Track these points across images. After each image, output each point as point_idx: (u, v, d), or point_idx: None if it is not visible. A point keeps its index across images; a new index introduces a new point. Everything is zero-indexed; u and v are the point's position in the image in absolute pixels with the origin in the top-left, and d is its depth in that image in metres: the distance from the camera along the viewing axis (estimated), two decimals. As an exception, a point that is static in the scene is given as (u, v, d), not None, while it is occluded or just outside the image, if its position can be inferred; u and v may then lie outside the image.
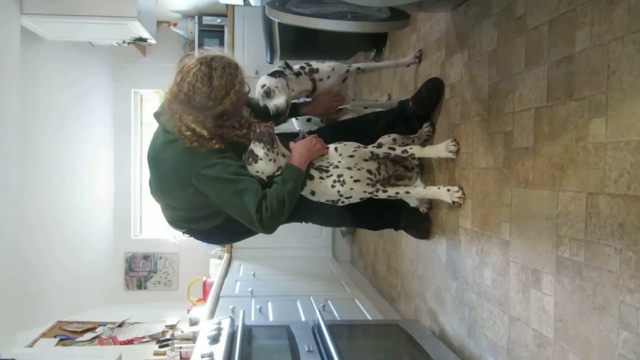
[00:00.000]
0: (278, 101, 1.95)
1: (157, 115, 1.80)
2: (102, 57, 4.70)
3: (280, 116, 1.97)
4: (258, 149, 1.69)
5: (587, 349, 1.11)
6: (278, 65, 2.04)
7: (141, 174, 5.07)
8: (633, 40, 1.00)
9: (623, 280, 1.01)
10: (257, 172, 1.72)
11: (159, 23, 4.34)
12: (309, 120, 2.32)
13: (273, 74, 2.01)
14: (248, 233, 2.07)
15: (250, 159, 1.71)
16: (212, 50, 1.74)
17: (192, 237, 2.09)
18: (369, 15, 1.58)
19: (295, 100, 2.16)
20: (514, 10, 1.48)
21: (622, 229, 1.01)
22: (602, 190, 1.08)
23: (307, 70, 2.13)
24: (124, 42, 4.03)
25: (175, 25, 4.63)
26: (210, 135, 1.63)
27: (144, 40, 3.98)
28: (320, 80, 2.15)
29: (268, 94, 1.97)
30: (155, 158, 1.79)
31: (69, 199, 4.36)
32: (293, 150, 1.78)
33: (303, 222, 2.18)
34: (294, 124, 2.37)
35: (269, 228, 1.65)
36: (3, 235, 3.18)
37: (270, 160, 1.70)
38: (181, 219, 1.94)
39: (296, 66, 2.12)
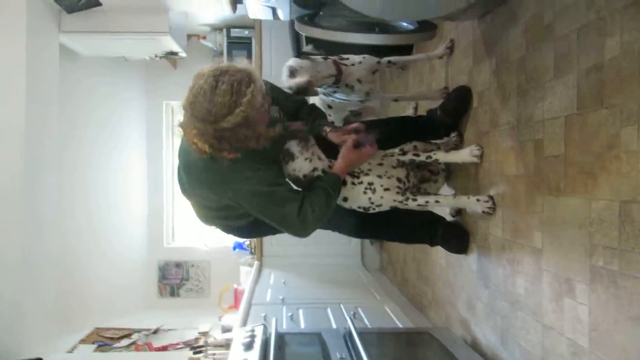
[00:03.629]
0: (299, 79, 1.92)
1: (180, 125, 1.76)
2: (135, 71, 4.86)
3: (299, 94, 1.94)
4: (293, 146, 1.72)
5: (623, 358, 1.10)
6: (306, 48, 2.02)
7: (173, 184, 5.19)
8: (664, 49, 1.00)
9: (659, 290, 1.00)
10: (294, 170, 1.74)
11: (189, 36, 4.46)
12: (329, 107, 2.28)
13: (299, 55, 2.01)
14: (275, 230, 2.12)
15: (286, 158, 1.74)
16: (236, 61, 1.67)
17: (222, 231, 2.11)
18: (396, 26, 1.60)
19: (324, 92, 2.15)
20: (542, 18, 1.48)
21: (656, 237, 1.01)
22: (635, 198, 1.07)
23: (336, 58, 2.08)
24: (156, 56, 4.17)
25: (204, 38, 4.75)
26: (214, 148, 1.60)
27: (175, 53, 4.11)
28: (348, 65, 2.09)
29: (293, 73, 1.94)
30: (190, 165, 1.79)
31: (104, 209, 4.51)
32: (342, 156, 1.78)
33: (334, 231, 2.20)
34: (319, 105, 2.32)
35: (305, 232, 1.68)
36: (46, 245, 3.32)
37: (306, 159, 1.73)
38: (213, 217, 1.98)
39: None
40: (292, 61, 2.00)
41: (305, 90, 1.92)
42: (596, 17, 1.22)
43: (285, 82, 1.97)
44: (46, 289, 3.32)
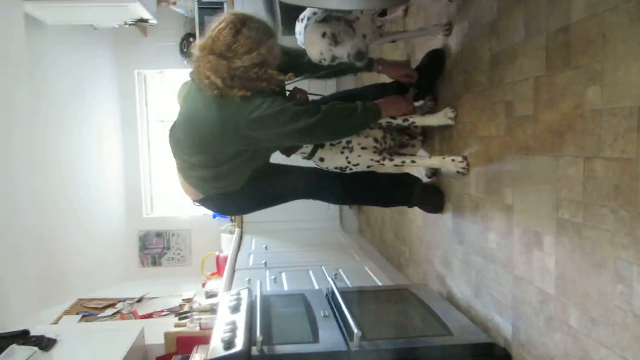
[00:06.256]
0: (354, 41, 1.72)
1: (191, 74, 1.82)
2: (104, 40, 4.72)
3: (363, 58, 1.75)
4: None
5: (586, 302, 1.20)
6: (320, 13, 1.80)
7: (149, 153, 5.15)
8: (626, 10, 1.04)
9: (618, 238, 1.08)
10: None
11: (159, 2, 4.34)
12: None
13: (325, 20, 1.76)
14: (258, 205, 2.14)
15: None
16: (258, 15, 1.76)
17: (203, 207, 2.08)
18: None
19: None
20: (513, -20, 1.51)
21: (616, 190, 1.08)
22: (598, 154, 1.14)
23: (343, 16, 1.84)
24: (125, 23, 4.06)
25: (174, 3, 4.63)
26: (226, 84, 1.66)
27: (145, 20, 4.01)
28: (355, 20, 1.89)
29: (335, 38, 1.73)
30: (195, 117, 1.80)
31: (80, 181, 4.46)
32: (387, 98, 1.89)
33: (315, 199, 2.23)
34: None
35: (329, 133, 1.77)
36: (23, 220, 3.28)
37: None
38: (206, 179, 1.92)
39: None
40: (323, 27, 1.76)
41: (365, 52, 1.75)
42: (564, -20, 1.26)
43: (328, 54, 1.77)
44: (27, 263, 3.31)
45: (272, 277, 2.49)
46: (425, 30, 2.14)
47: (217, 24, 1.68)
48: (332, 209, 4.04)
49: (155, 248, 5.01)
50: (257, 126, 1.69)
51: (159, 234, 5.01)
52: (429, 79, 2.10)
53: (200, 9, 4.54)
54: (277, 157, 2.02)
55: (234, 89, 1.66)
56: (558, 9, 1.29)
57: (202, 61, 1.68)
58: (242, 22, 1.66)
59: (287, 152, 2.00)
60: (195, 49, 1.73)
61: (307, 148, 1.97)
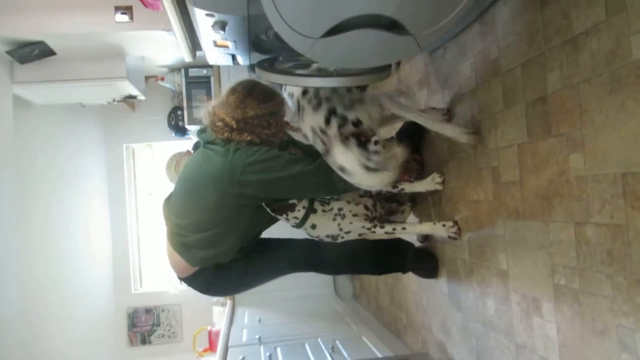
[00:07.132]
0: (390, 173, 1.68)
1: (200, 132, 1.91)
2: (92, 116, 4.79)
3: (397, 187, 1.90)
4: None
5: (593, 372, 1.16)
6: (372, 152, 1.70)
7: (137, 228, 5.09)
8: (599, 83, 1.09)
9: (617, 305, 1.07)
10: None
11: (147, 78, 4.45)
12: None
13: (372, 169, 1.66)
14: (251, 281, 2.10)
15: None
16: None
17: (191, 287, 2.02)
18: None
19: None
20: (488, 53, 1.59)
21: (610, 256, 1.08)
22: (587, 220, 1.15)
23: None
24: (113, 100, 4.13)
25: (162, 79, 4.75)
26: (239, 127, 1.77)
27: (134, 97, 4.09)
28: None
29: (371, 168, 1.66)
30: (194, 174, 1.88)
31: (67, 260, 4.35)
32: None
33: (307, 272, 2.20)
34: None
35: (308, 179, 1.76)
36: (8, 302, 3.17)
37: None
38: (196, 245, 1.88)
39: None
40: (365, 159, 1.66)
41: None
42: (537, 54, 1.32)
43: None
44: (11, 350, 3.16)
45: (267, 353, 2.40)
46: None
47: (232, 85, 1.86)
48: (325, 275, 3.97)
49: (144, 325, 4.84)
50: (253, 170, 1.73)
51: (148, 310, 4.85)
52: (412, 143, 2.14)
53: (187, 83, 4.67)
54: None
55: (244, 134, 1.78)
56: (533, 81, 1.34)
57: (218, 110, 1.80)
58: (254, 83, 1.85)
59: (278, 211, 1.97)
60: (209, 108, 1.85)
61: (300, 212, 1.95)
